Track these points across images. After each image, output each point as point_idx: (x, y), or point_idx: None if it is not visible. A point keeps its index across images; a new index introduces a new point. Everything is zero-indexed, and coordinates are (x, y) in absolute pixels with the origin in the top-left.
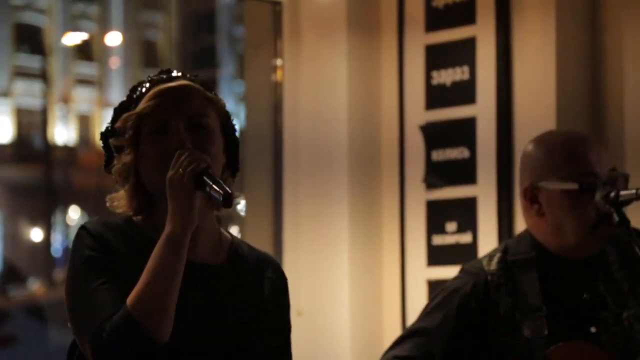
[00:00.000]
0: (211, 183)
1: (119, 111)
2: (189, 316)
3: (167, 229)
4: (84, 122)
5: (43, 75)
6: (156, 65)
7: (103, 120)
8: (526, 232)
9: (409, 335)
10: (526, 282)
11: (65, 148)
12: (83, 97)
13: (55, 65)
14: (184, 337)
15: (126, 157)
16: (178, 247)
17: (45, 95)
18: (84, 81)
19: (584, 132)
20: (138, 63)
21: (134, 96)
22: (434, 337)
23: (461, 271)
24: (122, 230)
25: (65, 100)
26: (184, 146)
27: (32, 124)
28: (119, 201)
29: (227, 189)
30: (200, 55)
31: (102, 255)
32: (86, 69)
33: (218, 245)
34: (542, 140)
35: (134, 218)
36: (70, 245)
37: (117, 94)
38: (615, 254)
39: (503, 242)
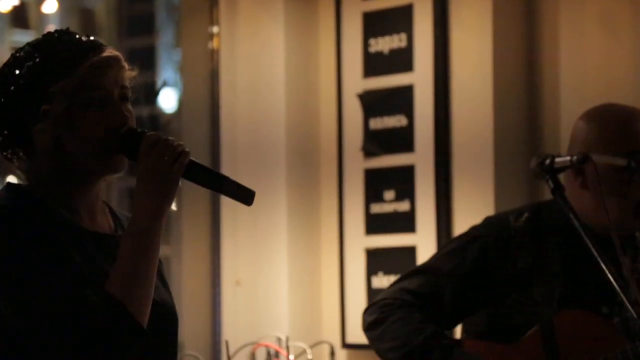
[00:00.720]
0: (218, 178)
1: (31, 75)
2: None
3: (147, 213)
4: None
5: None
6: (94, 34)
7: None
8: (562, 200)
9: (420, 271)
10: (549, 246)
11: None
12: None
13: None
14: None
15: (55, 126)
16: (157, 227)
17: None
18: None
19: (636, 109)
20: (75, 30)
21: (55, 62)
22: (446, 278)
23: (486, 220)
24: (31, 211)
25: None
26: (126, 121)
27: None
28: (32, 167)
29: (246, 187)
30: (138, 22)
31: (29, 240)
32: (22, 36)
33: (104, 213)
34: (596, 114)
35: (26, 189)
36: None
37: None
38: None
39: (536, 202)
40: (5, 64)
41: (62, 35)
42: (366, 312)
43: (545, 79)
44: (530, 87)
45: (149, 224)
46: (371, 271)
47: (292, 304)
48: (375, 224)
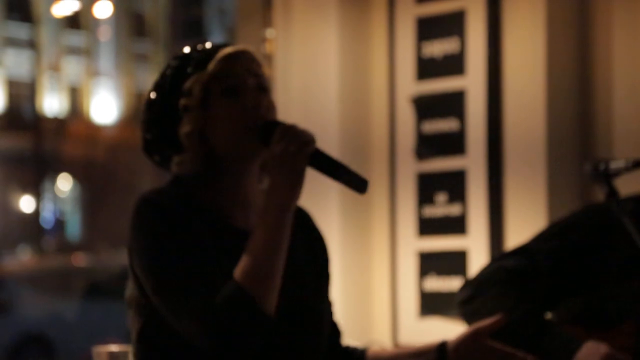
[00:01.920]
0: (337, 166)
1: (170, 81)
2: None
3: (275, 201)
4: (73, 92)
5: (32, 45)
6: (145, 36)
7: (92, 90)
8: (617, 204)
9: (518, 251)
10: None
11: (55, 118)
12: (72, 67)
13: (45, 35)
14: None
15: (196, 119)
16: (287, 217)
17: (35, 65)
18: (73, 51)
19: None
20: (127, 34)
21: (190, 66)
22: (544, 260)
23: (587, 207)
24: (183, 198)
25: (55, 70)
26: (260, 105)
27: (21, 94)
28: (182, 164)
29: (362, 175)
30: (189, 26)
31: (174, 226)
32: (75, 38)
33: (250, 205)
34: None
35: (186, 180)
36: (132, 217)
37: (106, 64)
38: None
39: (638, 193)
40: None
41: (196, 44)
42: (462, 288)
43: (598, 82)
44: (584, 90)
45: (276, 216)
46: (423, 274)
47: (344, 306)
48: (427, 227)
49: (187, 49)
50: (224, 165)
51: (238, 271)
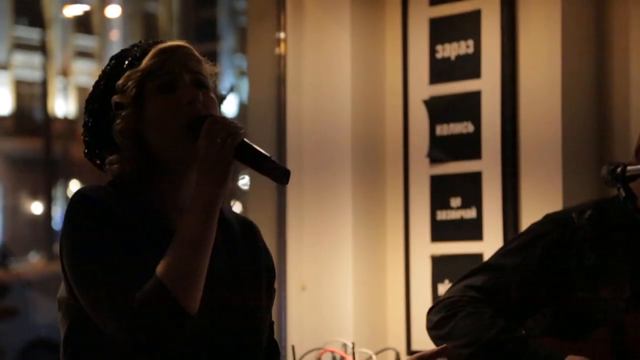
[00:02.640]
0: (261, 158)
1: (108, 78)
2: None
3: (201, 197)
4: (84, 95)
5: (42, 48)
6: (156, 38)
7: None
8: (624, 197)
9: (483, 269)
10: (614, 244)
11: (65, 121)
12: (82, 70)
13: (55, 38)
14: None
15: (129, 116)
16: (213, 215)
17: (45, 67)
18: (83, 54)
19: None
20: (138, 36)
21: (126, 62)
22: (511, 275)
23: (547, 218)
24: (118, 195)
25: (65, 72)
26: (195, 102)
27: (31, 97)
28: (116, 163)
29: (284, 166)
30: (201, 28)
31: (105, 223)
32: (86, 41)
33: None
34: None
35: (122, 180)
36: (65, 211)
37: None
38: None
39: (595, 200)
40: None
41: (139, 42)
42: (431, 311)
43: (615, 84)
44: (600, 92)
45: (202, 212)
46: (437, 278)
47: (358, 310)
48: (441, 231)
49: (126, 47)
50: (160, 165)
51: (160, 267)
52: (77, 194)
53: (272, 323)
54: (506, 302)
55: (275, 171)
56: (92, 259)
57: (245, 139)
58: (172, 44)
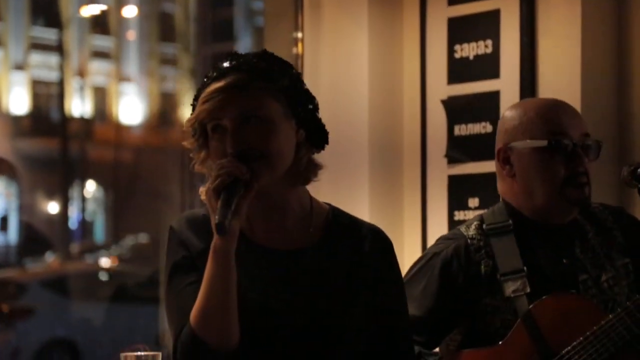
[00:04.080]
0: (222, 202)
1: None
2: (269, 308)
3: (213, 242)
4: (100, 95)
5: (59, 48)
6: (173, 39)
7: (119, 93)
8: (501, 203)
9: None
10: (505, 246)
11: (82, 121)
12: (99, 70)
13: (72, 38)
14: (264, 330)
15: (201, 156)
16: (223, 259)
17: (62, 67)
18: (100, 54)
19: (561, 100)
20: (154, 36)
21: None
22: (418, 301)
23: (439, 239)
24: (206, 225)
25: (82, 73)
26: (240, 147)
27: (48, 97)
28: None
29: (223, 217)
30: (218, 28)
31: (185, 258)
32: (102, 41)
33: (308, 223)
34: (518, 104)
35: None
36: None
37: (133, 67)
38: (589, 224)
39: (477, 215)
40: None
41: (221, 59)
42: None
43: (636, 83)
44: (620, 92)
45: (213, 254)
46: None
47: None
48: None
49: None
50: None
51: (192, 312)
52: (171, 224)
53: (383, 315)
54: (420, 328)
55: (221, 218)
56: (170, 292)
57: (235, 185)
58: (217, 86)
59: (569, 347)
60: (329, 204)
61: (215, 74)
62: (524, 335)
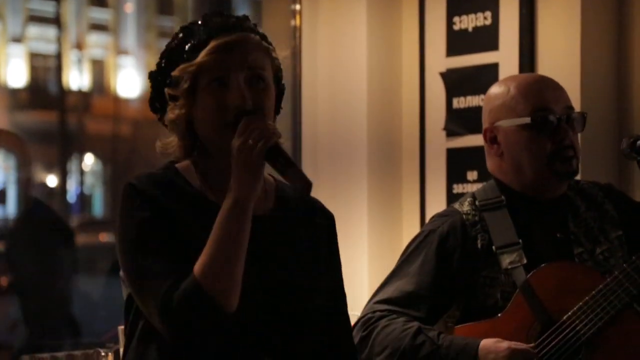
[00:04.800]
0: (288, 164)
1: (168, 55)
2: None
3: (232, 195)
4: (98, 68)
5: (57, 21)
6: (171, 12)
7: (117, 66)
8: (491, 181)
9: (388, 281)
10: (499, 221)
11: (80, 94)
12: (97, 43)
13: (69, 10)
14: (242, 299)
15: (181, 108)
16: (244, 214)
17: (59, 40)
18: (98, 27)
19: (542, 75)
20: (153, 9)
21: (188, 45)
22: (416, 277)
23: (434, 217)
24: (170, 184)
25: (79, 45)
26: (244, 102)
27: (46, 70)
28: (171, 146)
29: (307, 177)
30: (216, 1)
31: (155, 216)
32: (100, 14)
33: (263, 191)
34: (501, 82)
35: (177, 165)
36: (118, 200)
37: (131, 40)
38: (580, 199)
39: (469, 192)
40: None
41: (207, 17)
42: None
43: (635, 55)
44: (619, 64)
45: (233, 210)
46: None
47: (374, 287)
48: None
49: (190, 25)
50: (212, 151)
51: (197, 266)
52: (128, 185)
53: (339, 294)
54: (419, 303)
55: (298, 179)
56: (138, 250)
57: (277, 143)
58: (231, 39)
59: (570, 313)
60: (271, 176)
61: (208, 29)
62: (524, 305)
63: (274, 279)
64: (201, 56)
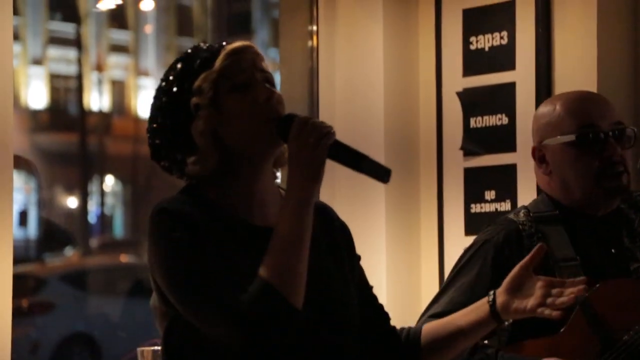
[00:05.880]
0: (358, 157)
1: (179, 81)
2: None
3: (294, 195)
4: (119, 89)
5: (77, 42)
6: (190, 32)
7: (137, 87)
8: (543, 195)
9: (444, 291)
10: (555, 234)
11: (100, 115)
12: (117, 64)
13: (89, 32)
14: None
15: (208, 116)
16: (307, 214)
17: (80, 62)
18: (118, 48)
19: (591, 91)
20: (172, 30)
21: (196, 64)
22: (471, 289)
23: (489, 225)
24: (195, 201)
25: (100, 67)
26: (271, 98)
27: (66, 91)
28: (196, 164)
29: (383, 165)
30: (235, 21)
31: (194, 233)
32: (120, 35)
33: (278, 199)
34: (548, 101)
35: (199, 183)
36: (149, 228)
37: (151, 61)
38: (633, 212)
39: (520, 205)
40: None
41: (199, 44)
42: None
43: None
44: (637, 83)
45: (298, 210)
46: None
47: (391, 303)
48: (475, 224)
49: (190, 50)
50: (239, 163)
51: (263, 268)
52: (158, 208)
53: (369, 288)
54: None
55: (375, 170)
56: (188, 268)
57: (337, 139)
58: (241, 44)
59: (632, 332)
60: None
61: (209, 48)
62: (583, 323)
63: (315, 290)
64: (218, 62)
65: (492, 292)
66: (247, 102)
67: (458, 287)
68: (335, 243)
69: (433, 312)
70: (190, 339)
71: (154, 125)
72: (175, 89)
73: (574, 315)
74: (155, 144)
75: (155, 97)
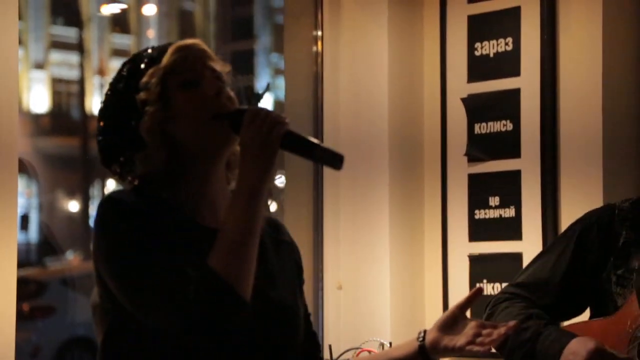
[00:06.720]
0: (310, 145)
1: (126, 81)
2: None
3: (245, 183)
4: None
5: (79, 47)
6: (192, 37)
7: None
8: None
9: (532, 262)
10: None
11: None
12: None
13: (91, 37)
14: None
15: (155, 112)
16: (259, 200)
17: (82, 66)
18: (120, 52)
19: None
20: (174, 34)
21: (143, 64)
22: (551, 265)
23: (588, 212)
24: (145, 199)
25: (102, 71)
26: (220, 92)
27: (68, 95)
28: (143, 161)
29: (336, 151)
30: (238, 26)
31: (140, 224)
32: (122, 40)
33: (218, 204)
34: None
35: (144, 180)
36: (95, 219)
37: None
38: None
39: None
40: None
41: (151, 47)
42: (484, 312)
43: None
44: None
45: (249, 200)
46: (475, 278)
47: (395, 310)
48: (479, 230)
49: (140, 51)
50: (190, 162)
51: (211, 256)
52: (107, 199)
53: (308, 314)
54: (547, 292)
55: (327, 157)
56: (135, 258)
57: (289, 129)
58: (189, 41)
59: None
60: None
61: (158, 48)
62: (635, 306)
63: (263, 289)
64: (166, 58)
65: (422, 331)
66: (196, 98)
67: (544, 261)
68: (282, 255)
69: (516, 281)
70: (130, 347)
71: (101, 124)
72: (121, 86)
73: (629, 299)
74: (103, 145)
75: (104, 97)
